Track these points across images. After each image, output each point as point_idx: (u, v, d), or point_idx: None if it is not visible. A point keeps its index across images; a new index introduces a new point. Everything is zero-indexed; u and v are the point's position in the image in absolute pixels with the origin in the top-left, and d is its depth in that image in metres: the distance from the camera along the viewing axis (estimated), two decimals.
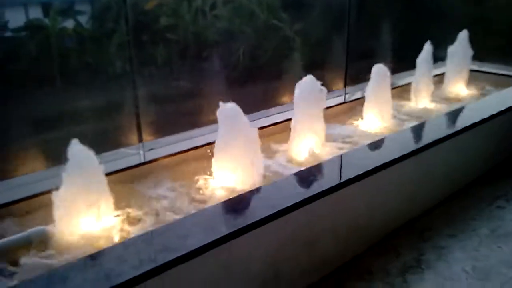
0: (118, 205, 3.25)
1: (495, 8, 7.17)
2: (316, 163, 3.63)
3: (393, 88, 5.00)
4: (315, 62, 5.75)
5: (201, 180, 3.66)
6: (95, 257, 2.38)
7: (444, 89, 6.04)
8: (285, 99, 5.23)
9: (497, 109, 4.57)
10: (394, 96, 5.02)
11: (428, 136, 3.99)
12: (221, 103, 3.44)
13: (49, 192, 2.93)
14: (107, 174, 3.11)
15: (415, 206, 3.93)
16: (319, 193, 2.99)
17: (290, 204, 2.81)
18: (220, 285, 2.62)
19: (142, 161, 3.79)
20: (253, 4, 5.20)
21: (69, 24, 4.01)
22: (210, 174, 3.65)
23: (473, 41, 5.95)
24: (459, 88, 6.04)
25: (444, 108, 5.46)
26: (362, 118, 4.92)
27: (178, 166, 3.86)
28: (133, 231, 3.03)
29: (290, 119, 4.06)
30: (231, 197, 3.05)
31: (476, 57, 6.03)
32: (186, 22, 4.77)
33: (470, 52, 5.92)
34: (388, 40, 6.53)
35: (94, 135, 3.92)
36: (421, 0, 6.81)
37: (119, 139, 4.05)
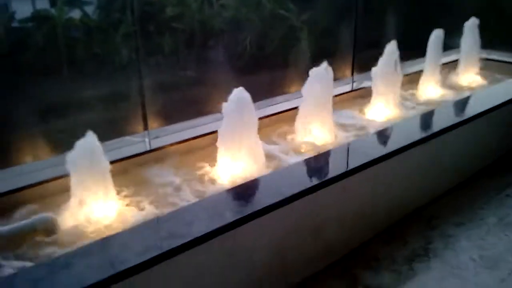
0: (123, 192, 3.26)
1: None
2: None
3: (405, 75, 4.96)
4: (322, 51, 5.70)
5: (205, 168, 3.66)
6: (100, 244, 2.39)
7: (454, 77, 5.98)
8: (291, 88, 5.21)
9: (506, 98, 4.51)
10: (403, 84, 4.98)
11: (436, 125, 3.95)
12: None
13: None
14: (114, 161, 3.12)
15: (423, 195, 3.90)
16: (325, 181, 2.97)
17: (296, 192, 2.80)
18: (225, 273, 2.62)
19: (148, 149, 3.79)
20: None
21: (76, 14, 4.01)
22: (215, 162, 3.65)
23: (484, 29, 5.88)
24: (469, 76, 5.98)
25: (453, 96, 5.41)
26: (369, 107, 4.89)
27: (184, 154, 3.86)
28: (138, 218, 3.03)
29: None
30: (235, 185, 3.04)
31: (487, 45, 5.97)
32: (193, 12, 4.75)
33: (478, 41, 5.86)
34: (396, 28, 6.46)
35: (100, 123, 3.93)
36: None
37: (125, 128, 4.05)
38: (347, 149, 3.56)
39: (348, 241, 3.32)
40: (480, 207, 3.87)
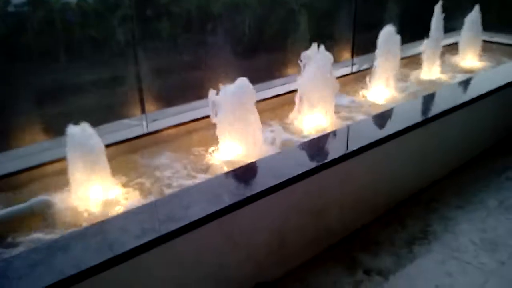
0: (121, 176, 3.24)
1: None
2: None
3: (402, 59, 4.90)
4: (321, 34, 5.64)
5: (204, 150, 3.65)
6: (97, 227, 2.36)
7: (456, 59, 5.94)
8: (290, 70, 5.15)
9: (508, 79, 4.47)
10: (403, 66, 4.94)
11: (436, 107, 3.91)
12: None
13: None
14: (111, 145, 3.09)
15: (423, 177, 3.87)
16: (325, 163, 2.94)
17: (296, 174, 2.77)
18: (224, 256, 2.60)
19: (145, 132, 3.76)
20: None
21: None
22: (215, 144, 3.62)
23: (486, 12, 5.82)
24: (471, 58, 5.93)
25: (454, 77, 5.37)
26: (368, 88, 4.85)
27: (182, 137, 3.84)
28: (136, 201, 3.00)
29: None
30: (234, 167, 3.01)
31: (489, 28, 5.92)
32: None
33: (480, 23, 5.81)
34: (396, 10, 6.39)
35: (98, 107, 3.90)
36: None
37: (123, 111, 4.01)
38: (347, 131, 3.52)
39: (348, 223, 3.30)
40: (480, 190, 3.86)
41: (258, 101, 3.52)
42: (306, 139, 3.58)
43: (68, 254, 2.12)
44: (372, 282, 2.88)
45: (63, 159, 2.98)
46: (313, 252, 3.09)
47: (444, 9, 5.25)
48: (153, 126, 3.84)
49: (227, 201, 2.50)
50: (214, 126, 3.52)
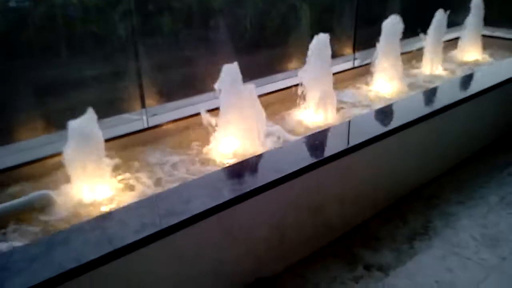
0: (121, 170, 3.24)
1: None
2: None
3: (403, 54, 4.88)
4: (323, 28, 5.61)
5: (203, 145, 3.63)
6: (97, 221, 2.36)
7: (457, 54, 5.92)
8: (292, 65, 5.14)
9: (509, 75, 4.44)
10: (404, 61, 4.92)
11: (437, 102, 3.90)
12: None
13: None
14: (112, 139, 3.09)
15: (424, 173, 3.86)
16: (325, 158, 2.93)
17: (296, 169, 2.76)
18: (223, 251, 2.60)
19: (146, 126, 3.75)
20: None
21: None
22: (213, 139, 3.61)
23: (487, 7, 5.80)
24: (472, 53, 5.91)
25: (455, 73, 5.36)
26: (371, 83, 4.84)
27: (181, 131, 3.83)
28: (135, 195, 3.00)
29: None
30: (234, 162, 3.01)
31: (490, 23, 5.90)
32: None
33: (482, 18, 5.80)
34: (398, 5, 6.36)
35: (98, 101, 3.89)
36: None
37: (123, 105, 4.00)
38: (348, 126, 3.51)
39: (348, 219, 3.30)
40: (481, 185, 3.84)
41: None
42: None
43: (67, 248, 2.12)
44: (372, 278, 2.87)
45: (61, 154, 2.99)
46: (313, 248, 3.09)
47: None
48: (153, 121, 3.83)
49: (226, 195, 2.49)
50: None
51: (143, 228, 2.22)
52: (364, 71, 5.06)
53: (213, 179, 2.77)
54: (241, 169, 2.86)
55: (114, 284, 2.18)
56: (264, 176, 2.71)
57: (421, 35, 5.27)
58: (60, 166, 3.03)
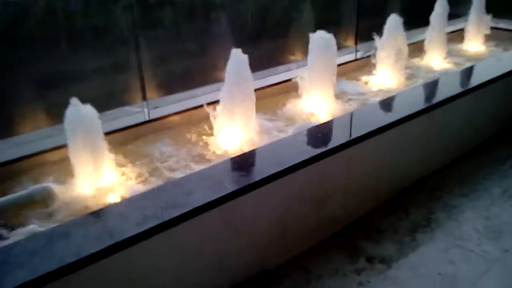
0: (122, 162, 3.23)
1: None
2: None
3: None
4: (325, 20, 5.58)
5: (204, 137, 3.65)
6: (98, 214, 2.34)
7: (461, 46, 5.90)
8: (294, 57, 5.11)
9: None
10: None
11: (440, 94, 3.87)
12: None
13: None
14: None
15: (427, 165, 3.84)
16: (328, 150, 2.92)
17: (299, 161, 2.74)
18: (225, 243, 2.59)
19: (147, 119, 3.74)
20: None
21: None
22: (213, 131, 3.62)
23: None
24: (475, 44, 5.88)
25: (458, 64, 5.33)
26: (373, 75, 4.82)
27: (183, 124, 3.83)
28: (137, 188, 2.99)
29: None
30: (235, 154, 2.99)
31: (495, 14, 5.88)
32: None
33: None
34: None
35: (100, 94, 3.87)
36: None
37: (124, 98, 3.98)
38: (350, 118, 3.49)
39: (351, 211, 3.28)
40: (484, 178, 3.83)
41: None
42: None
43: (68, 241, 2.11)
44: (374, 270, 2.87)
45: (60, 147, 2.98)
46: (315, 240, 3.08)
47: None
48: (155, 113, 3.82)
49: (229, 188, 2.48)
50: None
51: (144, 221, 2.21)
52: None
53: (216, 171, 2.76)
54: (243, 161, 2.85)
55: (116, 277, 2.17)
56: (267, 168, 2.69)
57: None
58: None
